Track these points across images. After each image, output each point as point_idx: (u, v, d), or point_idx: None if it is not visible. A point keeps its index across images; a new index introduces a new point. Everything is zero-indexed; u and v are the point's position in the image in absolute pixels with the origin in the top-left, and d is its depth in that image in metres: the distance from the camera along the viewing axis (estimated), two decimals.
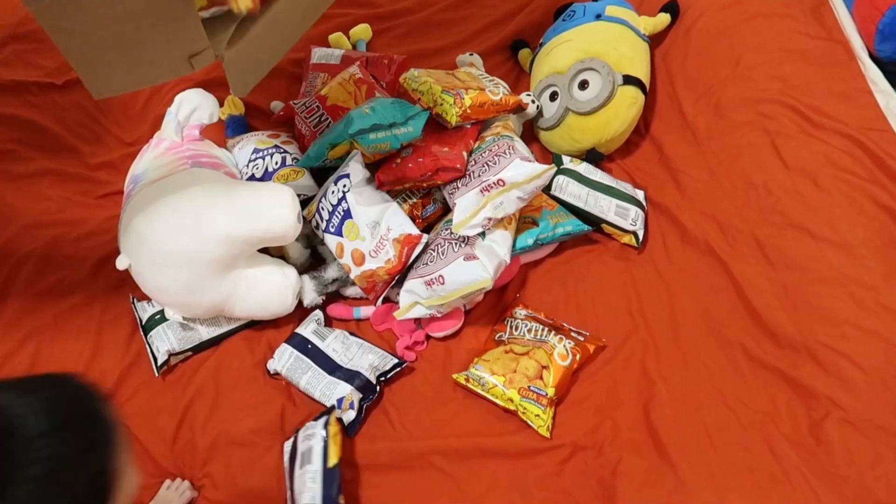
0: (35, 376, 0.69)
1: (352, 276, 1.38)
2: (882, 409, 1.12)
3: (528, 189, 1.28)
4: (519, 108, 1.51)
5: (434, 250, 1.33)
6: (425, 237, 1.34)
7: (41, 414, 0.63)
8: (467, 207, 1.29)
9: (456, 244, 1.31)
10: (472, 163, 1.37)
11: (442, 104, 1.38)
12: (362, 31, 1.84)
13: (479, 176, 1.32)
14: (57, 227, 1.53)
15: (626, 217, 1.45)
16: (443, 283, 1.29)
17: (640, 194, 1.51)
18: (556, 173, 1.48)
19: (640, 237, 1.46)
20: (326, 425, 1.20)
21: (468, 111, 1.37)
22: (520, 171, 1.29)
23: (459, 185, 1.36)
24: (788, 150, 1.37)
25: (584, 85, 1.53)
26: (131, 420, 1.29)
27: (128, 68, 0.99)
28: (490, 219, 1.27)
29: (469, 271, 1.26)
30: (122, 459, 0.69)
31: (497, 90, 1.45)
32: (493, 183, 1.29)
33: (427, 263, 1.33)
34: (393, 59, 1.70)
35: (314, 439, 1.18)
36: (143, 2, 0.88)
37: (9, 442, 0.61)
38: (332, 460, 1.16)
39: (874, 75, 1.40)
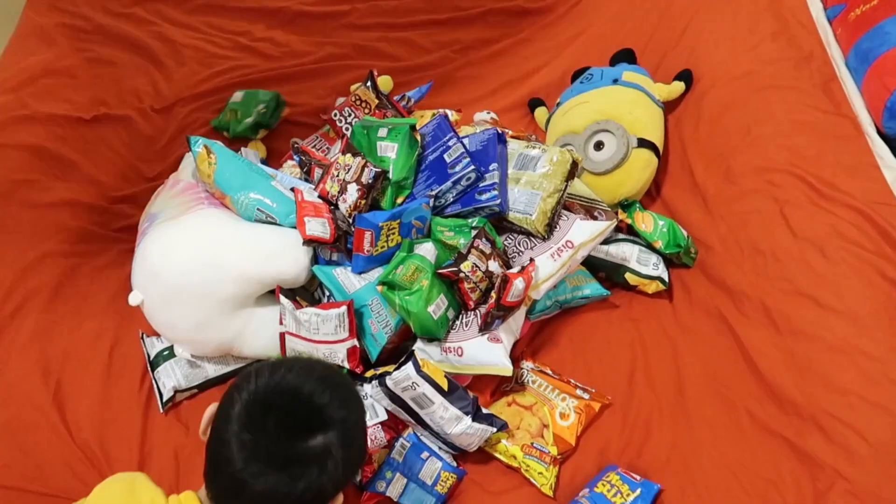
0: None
1: None
2: (887, 483, 1.11)
3: (591, 247, 1.32)
4: None
5: (459, 319, 1.32)
6: None
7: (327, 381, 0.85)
8: (541, 274, 1.31)
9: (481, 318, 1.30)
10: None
11: None
12: (384, 82, 1.89)
13: (545, 241, 1.35)
14: (74, 257, 1.56)
15: (647, 263, 1.47)
16: (460, 356, 1.28)
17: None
18: None
19: (667, 279, 1.47)
20: (419, 370, 1.19)
21: None
22: (584, 230, 1.34)
23: (523, 250, 1.37)
24: (796, 219, 1.39)
25: (599, 146, 1.57)
26: (147, 456, 1.30)
27: None
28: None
29: (491, 353, 1.25)
30: None
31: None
32: (563, 246, 1.32)
33: (448, 329, 1.32)
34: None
35: (420, 387, 1.19)
36: None
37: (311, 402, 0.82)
38: (444, 384, 1.19)
39: (881, 150, 1.43)
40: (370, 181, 1.33)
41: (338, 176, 1.35)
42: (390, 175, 1.36)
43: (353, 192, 1.33)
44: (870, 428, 1.15)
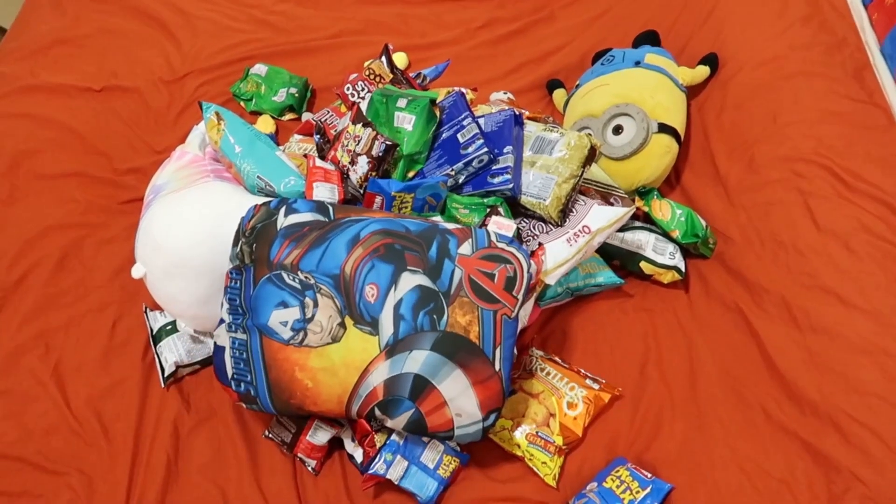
0: None
1: None
2: None
3: (608, 233, 1.28)
4: None
5: None
6: None
7: None
8: (556, 259, 1.27)
9: None
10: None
11: None
12: (399, 59, 1.85)
13: (562, 225, 1.31)
14: (79, 229, 1.54)
15: (664, 252, 1.42)
16: None
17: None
18: None
19: (684, 269, 1.42)
20: None
21: None
22: (602, 216, 1.29)
23: (538, 234, 1.33)
24: (821, 211, 1.34)
25: (618, 130, 1.52)
26: (144, 430, 1.29)
27: None
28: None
29: None
30: None
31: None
32: (579, 231, 1.28)
33: None
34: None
35: None
36: None
37: None
38: None
39: None
40: (381, 154, 1.30)
41: (347, 146, 1.32)
42: (403, 148, 1.33)
43: (363, 164, 1.30)
44: (890, 431, 1.11)
